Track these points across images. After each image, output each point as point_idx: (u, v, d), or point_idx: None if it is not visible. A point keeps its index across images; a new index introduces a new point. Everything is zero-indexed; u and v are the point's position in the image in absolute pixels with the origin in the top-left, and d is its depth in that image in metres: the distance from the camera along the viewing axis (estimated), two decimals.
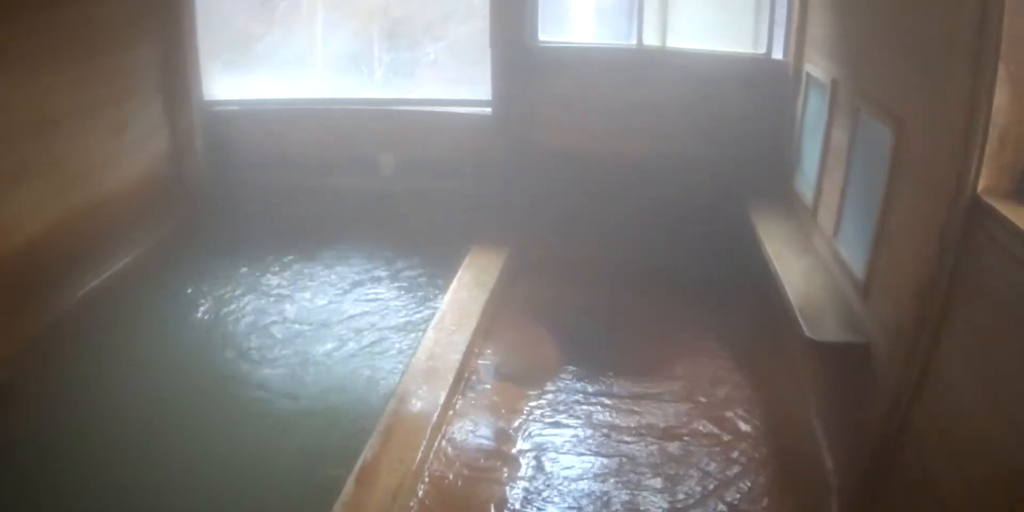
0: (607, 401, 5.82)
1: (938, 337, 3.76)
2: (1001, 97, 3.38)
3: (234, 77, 8.66)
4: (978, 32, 3.45)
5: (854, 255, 5.08)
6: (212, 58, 8.26)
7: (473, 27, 7.87)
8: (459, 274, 7.13)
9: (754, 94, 7.65)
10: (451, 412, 5.53)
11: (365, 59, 9.32)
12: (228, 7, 8.70)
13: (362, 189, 8.19)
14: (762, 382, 6.10)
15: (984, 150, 3.41)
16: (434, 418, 5.23)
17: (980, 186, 3.45)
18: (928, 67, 4.14)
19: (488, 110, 8.06)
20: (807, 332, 4.87)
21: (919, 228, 3.99)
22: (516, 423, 5.53)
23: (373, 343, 6.51)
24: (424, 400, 5.38)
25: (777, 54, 7.68)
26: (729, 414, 5.73)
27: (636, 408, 5.75)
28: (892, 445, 4.18)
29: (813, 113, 6.55)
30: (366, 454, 4.80)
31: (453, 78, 8.30)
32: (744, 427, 5.61)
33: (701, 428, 5.56)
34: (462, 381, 5.85)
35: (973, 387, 3.46)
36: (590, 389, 5.97)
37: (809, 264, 5.82)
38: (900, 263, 4.28)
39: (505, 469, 5.08)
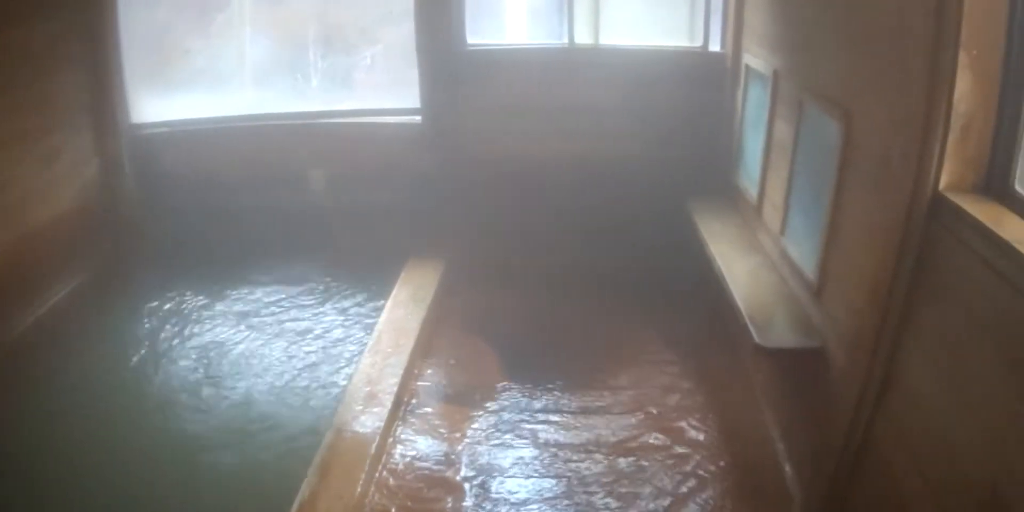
0: (553, 417, 5.57)
1: (899, 341, 3.56)
2: (963, 85, 3.16)
3: (164, 98, 8.25)
4: (935, 16, 3.22)
5: (804, 254, 4.88)
6: (140, 79, 7.86)
7: (410, 28, 7.52)
8: (395, 291, 6.85)
9: (692, 89, 7.44)
10: (391, 440, 5.24)
11: (301, 67, 8.96)
12: (154, 25, 8.28)
13: (293, 207, 7.85)
14: (714, 389, 5.90)
15: (945, 143, 3.18)
16: (373, 448, 4.94)
17: (942, 182, 3.23)
18: (879, 56, 3.92)
19: (418, 118, 7.72)
20: (756, 338, 4.65)
21: (875, 227, 3.78)
22: (460, 447, 5.25)
23: (309, 372, 6.19)
24: (362, 429, 5.09)
25: (715, 46, 7.49)
26: (681, 424, 5.50)
27: (584, 423, 5.51)
28: (854, 455, 3.98)
29: (754, 106, 6.35)
30: (304, 492, 4.50)
31: (391, 81, 7.96)
32: (698, 437, 5.39)
33: (653, 441, 5.33)
34: (402, 406, 5.56)
35: (939, 393, 3.26)
36: (535, 405, 5.72)
37: (756, 264, 5.61)
38: (855, 263, 4.06)
39: (449, 498, 4.80)
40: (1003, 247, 2.76)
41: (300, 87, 8.83)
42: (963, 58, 3.13)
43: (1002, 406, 2.76)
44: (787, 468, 4.95)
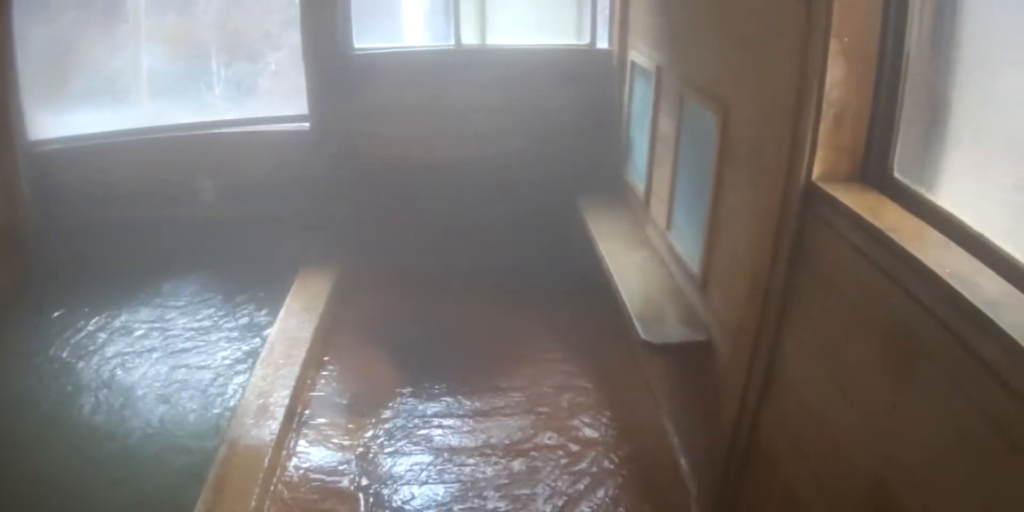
0: (447, 422, 5.45)
1: (780, 332, 3.53)
2: (835, 73, 3.12)
3: (63, 113, 7.90)
4: (806, 4, 3.18)
5: (688, 248, 4.85)
6: (37, 96, 7.50)
7: None
8: (287, 301, 6.65)
9: (580, 86, 7.38)
10: (285, 452, 5.07)
11: (204, 77, 8.71)
12: (51, 40, 7.95)
13: (187, 219, 7.58)
14: (608, 386, 5.83)
15: (818, 132, 3.13)
16: (266, 462, 4.76)
17: (816, 171, 3.19)
18: (753, 47, 3.90)
19: (307, 125, 7.54)
20: (642, 334, 4.59)
21: (752, 218, 3.75)
22: (354, 456, 5.10)
23: (202, 386, 5.91)
24: (256, 443, 4.90)
25: (602, 43, 7.46)
26: (575, 422, 5.43)
27: (478, 426, 5.40)
28: (743, 446, 3.95)
29: (640, 102, 6.32)
30: (198, 509, 4.31)
31: (296, 88, 7.71)
32: (592, 435, 5.31)
33: (547, 441, 5.24)
34: (295, 418, 5.38)
35: (819, 384, 3.23)
36: (429, 410, 5.59)
37: (645, 259, 5.56)
38: (735, 256, 4.03)
39: (343, 509, 4.66)
40: (875, 235, 2.72)
41: (204, 96, 8.60)
42: (834, 45, 3.09)
43: (880, 395, 2.73)
44: (682, 461, 4.94)
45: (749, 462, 3.94)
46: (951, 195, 2.82)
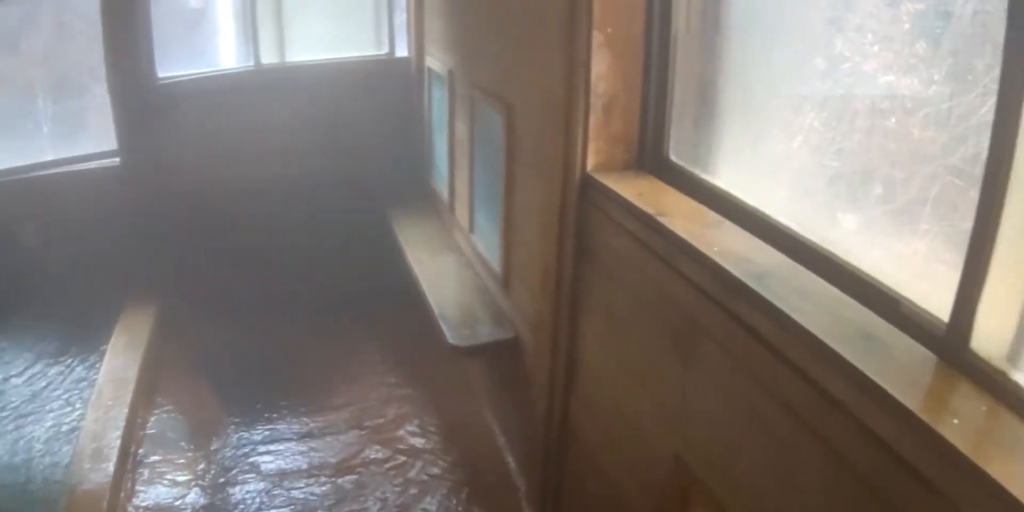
0: (275, 447, 5.28)
1: (575, 324, 3.52)
2: (600, 65, 3.12)
3: None
4: (571, 1, 3.17)
5: (490, 248, 4.80)
6: None
7: None
8: (112, 341, 6.30)
9: (383, 96, 7.26)
10: (123, 494, 4.80)
11: (32, 115, 8.21)
12: None
13: (8, 263, 7.14)
14: (431, 393, 5.75)
15: (588, 124, 3.11)
16: (105, 505, 4.50)
17: (591, 162, 3.18)
18: (529, 46, 3.89)
19: (117, 160, 7.19)
20: (450, 338, 4.52)
21: (540, 213, 3.73)
22: (188, 491, 4.89)
23: (36, 437, 5.55)
24: (94, 487, 4.63)
25: (401, 52, 7.34)
26: (401, 433, 5.33)
27: (306, 447, 5.25)
28: (557, 438, 3.93)
29: (438, 107, 6.26)
30: None
31: None
32: (419, 443, 5.23)
33: (374, 455, 5.13)
34: (129, 458, 5.11)
35: (615, 370, 3.23)
36: (257, 437, 5.40)
37: (452, 263, 5.50)
38: (529, 251, 4.01)
39: None
40: (646, 221, 2.71)
41: (33, 136, 8.11)
42: (598, 37, 3.09)
43: (669, 378, 2.73)
44: (509, 459, 4.90)
45: (566, 452, 3.92)
46: (725, 174, 2.86)
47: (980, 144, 1.80)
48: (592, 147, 3.15)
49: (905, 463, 1.72)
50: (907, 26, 2.15)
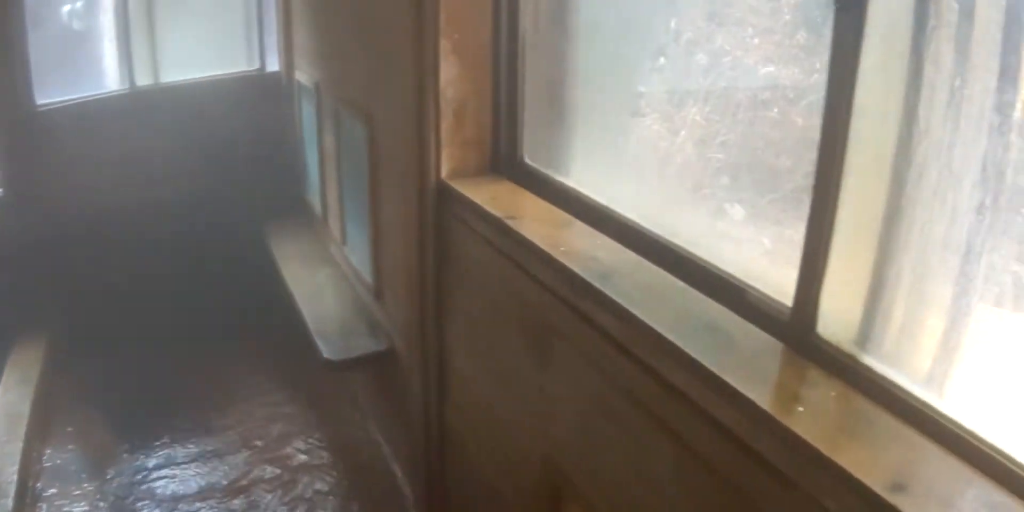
0: (169, 472, 5.12)
1: (441, 330, 3.47)
2: (449, 71, 3.07)
3: None
4: (416, 8, 3.10)
5: (361, 259, 4.73)
6: None
7: None
8: (3, 377, 6.04)
9: (256, 112, 7.06)
10: None
11: None
12: None
13: None
14: (318, 409, 5.64)
15: (440, 130, 3.05)
16: None
17: (445, 168, 3.13)
18: (383, 55, 3.83)
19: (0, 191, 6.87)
20: (324, 353, 4.43)
21: (403, 222, 3.65)
22: None
23: None
24: None
25: (273, 66, 7.16)
26: (288, 450, 5.21)
27: (198, 471, 5.10)
28: (437, 444, 3.88)
29: (308, 121, 6.15)
30: None
31: None
32: (306, 459, 5.12)
33: (263, 474, 5.00)
34: (27, 493, 4.91)
35: (482, 375, 3.20)
36: (151, 463, 5.23)
37: (328, 277, 5.40)
38: (395, 260, 3.95)
39: None
40: (497, 225, 2.67)
41: None
42: (445, 44, 3.04)
43: (528, 379, 2.68)
44: (396, 469, 4.81)
45: (447, 459, 3.87)
46: (577, 174, 2.83)
47: None
48: (446, 153, 3.09)
49: (757, 455, 1.69)
50: (787, 17, 2.15)
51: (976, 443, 1.48)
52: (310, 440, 5.31)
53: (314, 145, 5.83)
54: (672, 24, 2.47)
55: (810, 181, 1.83)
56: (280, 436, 5.38)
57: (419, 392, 3.74)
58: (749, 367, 1.80)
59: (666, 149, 2.49)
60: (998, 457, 1.44)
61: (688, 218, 2.37)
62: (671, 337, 1.89)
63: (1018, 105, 1.54)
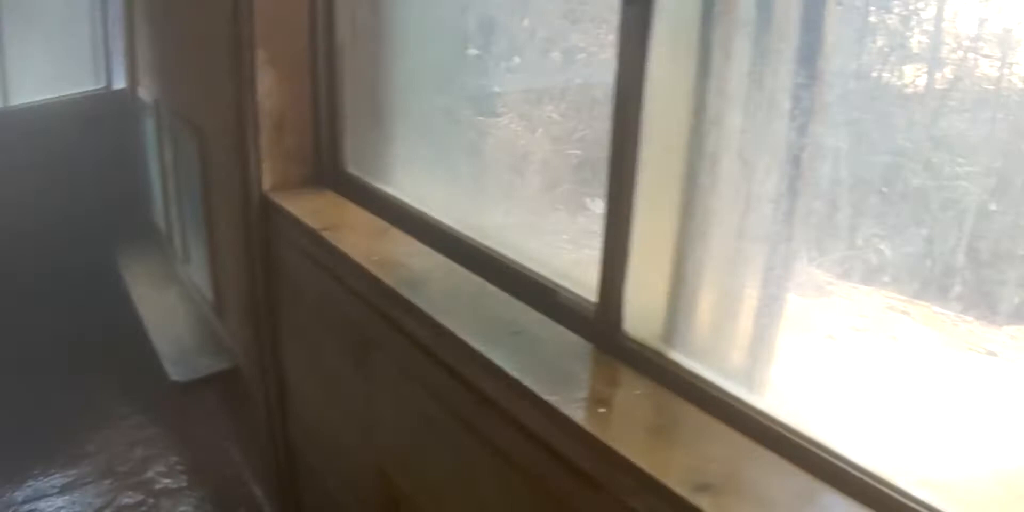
0: (36, 504, 4.86)
1: (276, 346, 3.37)
2: (266, 82, 2.98)
3: None
4: (233, 18, 3.00)
5: (203, 277, 4.58)
6: None
7: None
8: None
9: (102, 131, 6.75)
10: None
11: None
12: None
13: None
14: (177, 431, 5.44)
15: (259, 142, 2.96)
16: None
17: (268, 182, 3.03)
18: (208, 68, 3.70)
19: None
20: (171, 375, 4.28)
21: (234, 237, 3.54)
22: None
23: None
24: None
25: (119, 84, 6.88)
26: (150, 475, 5.01)
27: (64, 501, 4.87)
28: (285, 462, 3.78)
29: (150, 138, 5.90)
30: None
31: None
32: (168, 483, 4.93)
33: (127, 500, 4.80)
34: None
35: (316, 389, 3.11)
36: (19, 497, 4.95)
37: (175, 297, 5.23)
38: (231, 277, 3.83)
39: None
40: (314, 236, 2.60)
41: None
42: (261, 55, 2.95)
43: (356, 392, 2.62)
44: (256, 490, 4.66)
45: (295, 476, 3.76)
46: (398, 182, 2.78)
47: None
48: (267, 166, 3.00)
49: (566, 460, 1.65)
50: None
51: (791, 436, 1.46)
52: (171, 463, 5.12)
53: (156, 163, 5.63)
54: (525, 23, 2.45)
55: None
56: (142, 460, 5.18)
57: (263, 410, 3.64)
58: (554, 370, 1.77)
59: (524, 147, 2.45)
60: (814, 449, 1.42)
61: (521, 217, 2.34)
62: (475, 344, 1.85)
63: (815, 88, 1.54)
